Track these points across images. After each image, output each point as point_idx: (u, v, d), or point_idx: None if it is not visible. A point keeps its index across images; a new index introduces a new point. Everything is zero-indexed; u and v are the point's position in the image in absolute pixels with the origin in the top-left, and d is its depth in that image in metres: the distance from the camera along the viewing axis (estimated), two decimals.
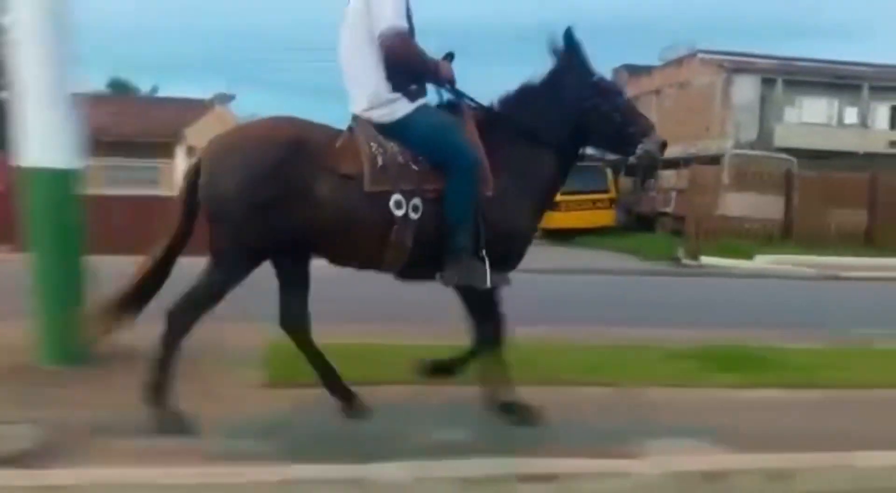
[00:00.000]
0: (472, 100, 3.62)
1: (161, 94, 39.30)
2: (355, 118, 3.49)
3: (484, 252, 3.35)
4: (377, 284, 3.87)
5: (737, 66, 31.46)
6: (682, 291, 11.35)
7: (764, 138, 30.77)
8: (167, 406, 3.32)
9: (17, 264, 4.62)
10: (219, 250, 3.30)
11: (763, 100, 31.51)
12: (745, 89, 31.13)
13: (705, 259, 15.70)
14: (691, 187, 17.57)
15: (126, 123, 21.89)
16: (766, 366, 4.72)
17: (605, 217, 22.34)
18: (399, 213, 3.29)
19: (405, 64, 3.41)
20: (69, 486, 2.74)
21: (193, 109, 24.93)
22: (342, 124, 3.51)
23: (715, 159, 21.22)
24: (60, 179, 4.46)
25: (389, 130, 3.42)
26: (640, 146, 3.62)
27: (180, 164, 20.42)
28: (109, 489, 2.75)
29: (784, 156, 21.49)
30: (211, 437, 3.28)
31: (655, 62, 36.20)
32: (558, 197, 4.14)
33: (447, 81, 3.54)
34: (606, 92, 3.67)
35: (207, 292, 3.31)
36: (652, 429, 3.60)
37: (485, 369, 3.68)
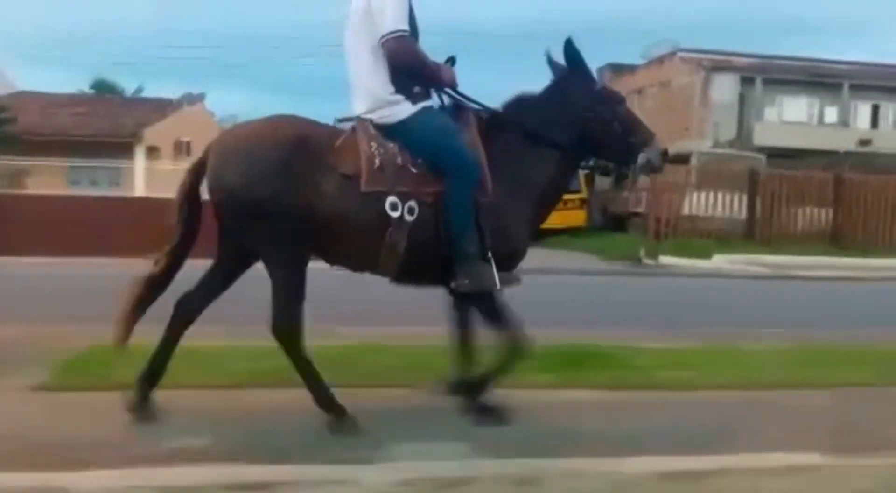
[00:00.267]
0: (475, 103, 3.64)
1: (146, 94, 39.36)
2: (358, 119, 3.50)
3: (489, 255, 3.36)
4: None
5: (715, 64, 31.28)
6: (626, 291, 11.16)
7: (743, 137, 30.58)
8: None
9: None
10: (260, 248, 3.33)
11: (742, 99, 31.33)
12: (724, 88, 30.95)
13: (664, 259, 15.61)
14: (654, 187, 17.34)
15: (91, 123, 21.72)
16: (603, 366, 4.51)
17: (577, 218, 22.14)
18: (394, 214, 3.29)
19: (407, 67, 3.43)
20: None
21: (162, 109, 24.76)
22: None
23: (686, 159, 21.04)
24: None
25: (391, 132, 3.43)
26: (641, 155, 3.62)
27: (140, 164, 20.24)
28: None
29: (754, 154, 21.32)
30: None
31: (639, 61, 36.07)
32: None
33: (449, 85, 3.57)
34: (608, 101, 3.69)
35: (287, 292, 3.30)
36: (418, 434, 3.36)
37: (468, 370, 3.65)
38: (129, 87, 44.51)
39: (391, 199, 3.29)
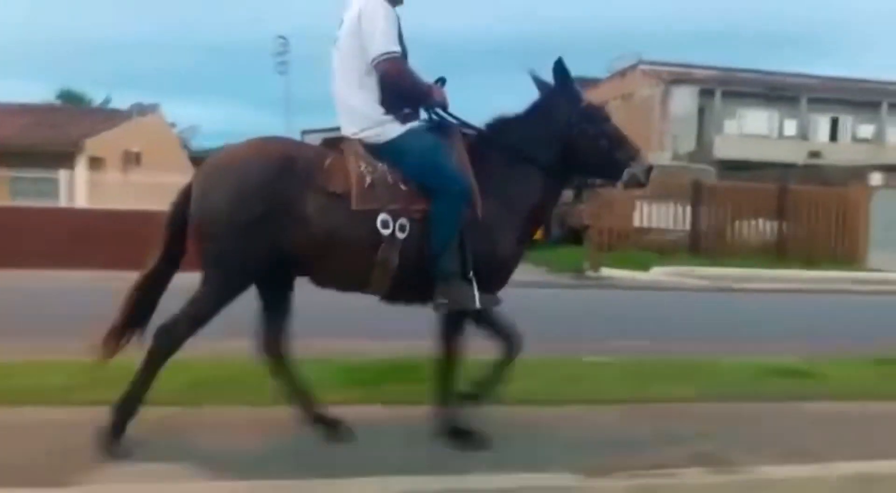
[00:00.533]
0: (463, 123, 3.66)
1: (114, 105, 38.93)
2: (345, 139, 3.53)
3: (471, 274, 3.37)
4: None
5: (675, 77, 31.44)
6: (555, 303, 10.97)
7: (703, 150, 30.70)
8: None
9: None
10: (209, 268, 3.27)
11: (702, 111, 31.48)
12: (684, 101, 31.10)
13: (606, 271, 15.55)
14: (600, 199, 17.26)
15: (36, 133, 21.28)
16: (409, 379, 4.31)
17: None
18: (386, 232, 3.30)
19: (398, 88, 3.47)
20: None
21: (112, 119, 24.36)
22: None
23: None
24: None
25: (380, 151, 3.46)
26: (626, 171, 3.66)
27: (81, 175, 19.87)
28: None
29: (704, 167, 21.30)
30: None
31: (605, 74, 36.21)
32: None
33: (439, 105, 3.59)
34: (594, 118, 3.73)
35: (197, 311, 3.26)
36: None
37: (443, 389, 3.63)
38: (97, 97, 44.31)
39: (382, 216, 3.31)
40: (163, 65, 67.79)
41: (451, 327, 3.60)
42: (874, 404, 4.53)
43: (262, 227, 3.18)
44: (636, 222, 18.60)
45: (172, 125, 34.01)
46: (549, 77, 3.73)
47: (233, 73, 72.53)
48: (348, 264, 3.34)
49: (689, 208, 17.96)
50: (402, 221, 3.34)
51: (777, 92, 31.79)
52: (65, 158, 19.98)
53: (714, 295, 12.66)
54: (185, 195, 3.39)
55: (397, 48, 3.43)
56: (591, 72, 36.42)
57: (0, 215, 13.40)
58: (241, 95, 71.07)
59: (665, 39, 68.40)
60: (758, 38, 65.03)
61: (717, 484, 3.12)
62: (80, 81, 60.18)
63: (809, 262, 17.11)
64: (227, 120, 67.98)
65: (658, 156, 28.12)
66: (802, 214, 17.99)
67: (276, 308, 3.57)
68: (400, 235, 3.33)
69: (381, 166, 3.40)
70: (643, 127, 31.03)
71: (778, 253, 17.83)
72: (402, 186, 3.39)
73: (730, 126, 32.16)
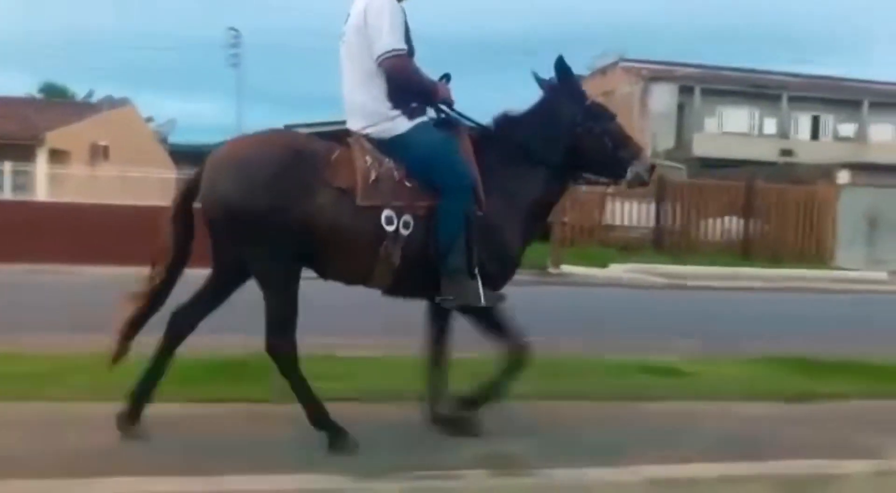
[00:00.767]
0: (468, 119, 3.68)
1: (95, 99, 38.54)
2: (352, 134, 3.52)
3: (476, 270, 3.36)
4: None
5: (654, 74, 31.28)
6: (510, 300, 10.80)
7: (682, 148, 30.53)
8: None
9: None
10: (253, 267, 3.30)
11: (681, 109, 31.31)
12: (663, 98, 30.93)
13: (566, 267, 15.37)
14: (568, 195, 17.11)
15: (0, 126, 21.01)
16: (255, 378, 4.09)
17: None
18: (390, 228, 3.30)
19: (404, 85, 3.48)
20: None
21: (82, 112, 24.08)
22: None
23: None
24: None
25: (386, 147, 3.45)
26: (629, 169, 3.68)
27: (41, 168, 19.62)
28: None
29: (675, 164, 21.15)
30: None
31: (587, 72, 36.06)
32: None
33: (444, 102, 3.61)
34: (598, 116, 3.73)
35: (279, 312, 3.25)
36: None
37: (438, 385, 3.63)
38: (80, 91, 43.91)
39: (387, 212, 3.30)
40: (144, 60, 67.49)
41: (486, 322, 3.52)
42: (726, 404, 4.33)
43: (270, 218, 3.16)
44: (606, 219, 18.51)
45: (150, 119, 33.71)
46: (543, 76, 3.74)
47: (222, 68, 72.22)
48: (351, 258, 3.35)
49: (653, 206, 17.82)
50: (407, 217, 3.34)
51: (758, 90, 31.62)
52: (24, 151, 19.69)
53: (666, 293, 12.50)
54: (190, 188, 3.40)
55: (403, 45, 3.43)
56: (573, 69, 36.40)
57: None
58: (230, 91, 70.60)
59: (650, 37, 68.14)
60: (742, 37, 64.80)
61: (499, 487, 2.92)
62: (65, 75, 59.81)
63: (775, 260, 16.99)
64: (214, 115, 67.75)
65: None
66: (770, 212, 17.86)
67: (211, 297, 3.50)
68: (404, 232, 3.33)
69: (388, 162, 3.40)
70: (624, 124, 30.91)
71: (743, 251, 17.71)
72: (408, 183, 3.39)
73: (710, 124, 31.99)
